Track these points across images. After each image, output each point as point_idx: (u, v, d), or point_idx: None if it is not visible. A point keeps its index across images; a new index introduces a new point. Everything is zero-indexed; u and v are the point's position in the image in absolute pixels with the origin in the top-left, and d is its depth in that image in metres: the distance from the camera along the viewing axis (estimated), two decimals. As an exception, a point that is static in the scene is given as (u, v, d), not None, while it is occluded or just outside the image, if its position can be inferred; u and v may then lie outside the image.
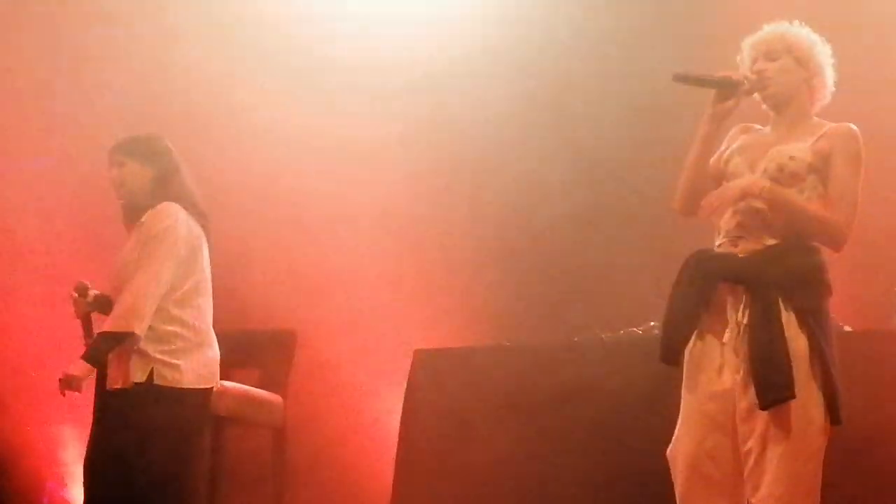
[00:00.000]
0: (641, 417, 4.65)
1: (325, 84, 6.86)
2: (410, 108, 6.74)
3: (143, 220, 4.67)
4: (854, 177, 3.59)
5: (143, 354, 4.53)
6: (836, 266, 5.06)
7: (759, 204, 3.55)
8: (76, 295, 4.80)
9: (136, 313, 4.50)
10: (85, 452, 4.68)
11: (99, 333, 4.61)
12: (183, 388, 4.59)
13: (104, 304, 4.76)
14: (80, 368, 4.54)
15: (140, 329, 4.50)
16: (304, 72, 6.86)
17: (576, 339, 5.61)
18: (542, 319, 6.32)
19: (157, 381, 4.54)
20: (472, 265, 6.64)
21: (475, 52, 6.68)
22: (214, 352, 4.80)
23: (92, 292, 4.81)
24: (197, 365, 4.66)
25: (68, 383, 4.53)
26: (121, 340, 4.52)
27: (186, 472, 4.65)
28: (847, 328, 5.21)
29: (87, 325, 4.79)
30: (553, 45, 6.66)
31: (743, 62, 3.74)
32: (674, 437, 3.63)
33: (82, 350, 4.64)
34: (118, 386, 4.53)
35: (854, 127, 3.65)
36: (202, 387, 4.69)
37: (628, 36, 6.56)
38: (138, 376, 4.52)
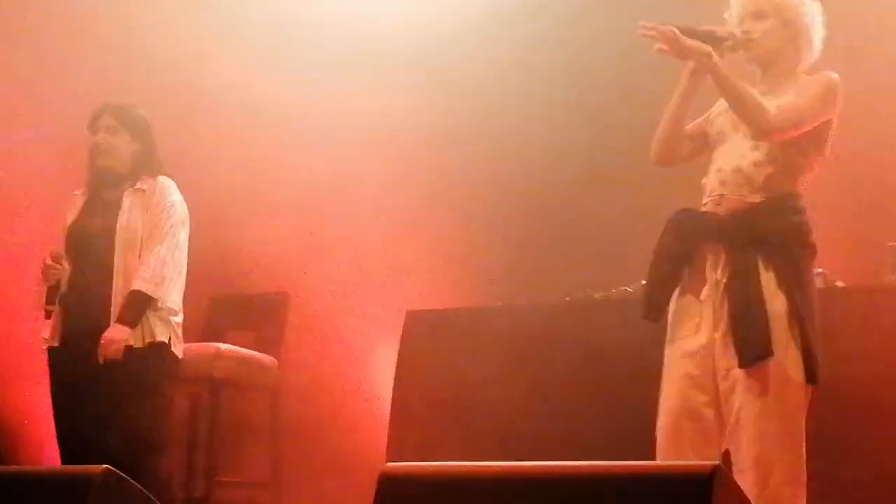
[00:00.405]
0: (633, 374, 4.65)
1: (318, 54, 6.82)
2: (403, 76, 6.71)
3: (142, 188, 4.79)
4: (809, 98, 3.59)
5: (164, 319, 4.73)
6: (831, 222, 5.08)
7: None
8: (50, 261, 4.81)
9: (161, 280, 4.70)
10: (68, 415, 4.75)
11: (133, 293, 4.68)
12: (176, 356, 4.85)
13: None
14: (122, 331, 4.66)
15: (163, 296, 4.71)
16: (293, 40, 6.83)
17: (567, 298, 5.62)
18: (534, 279, 6.30)
19: (173, 346, 4.77)
20: (464, 226, 6.62)
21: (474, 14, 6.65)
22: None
23: (65, 262, 4.85)
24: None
25: (113, 348, 4.63)
26: (149, 303, 4.67)
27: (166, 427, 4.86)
28: (840, 283, 5.22)
29: (52, 293, 4.82)
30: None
31: (731, 18, 3.74)
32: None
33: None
34: (136, 345, 4.67)
35: (833, 74, 3.67)
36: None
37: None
38: (162, 337, 4.72)
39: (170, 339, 4.75)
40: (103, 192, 4.88)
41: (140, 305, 4.67)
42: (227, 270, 6.67)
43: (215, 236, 6.40)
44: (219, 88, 6.79)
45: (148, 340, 4.69)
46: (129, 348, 4.65)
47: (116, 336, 4.64)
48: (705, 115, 3.79)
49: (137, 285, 4.67)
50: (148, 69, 6.62)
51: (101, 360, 4.63)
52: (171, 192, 4.84)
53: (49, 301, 4.79)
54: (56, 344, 4.82)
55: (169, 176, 4.92)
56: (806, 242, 3.61)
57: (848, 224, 5.68)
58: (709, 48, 3.57)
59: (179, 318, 4.83)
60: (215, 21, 6.78)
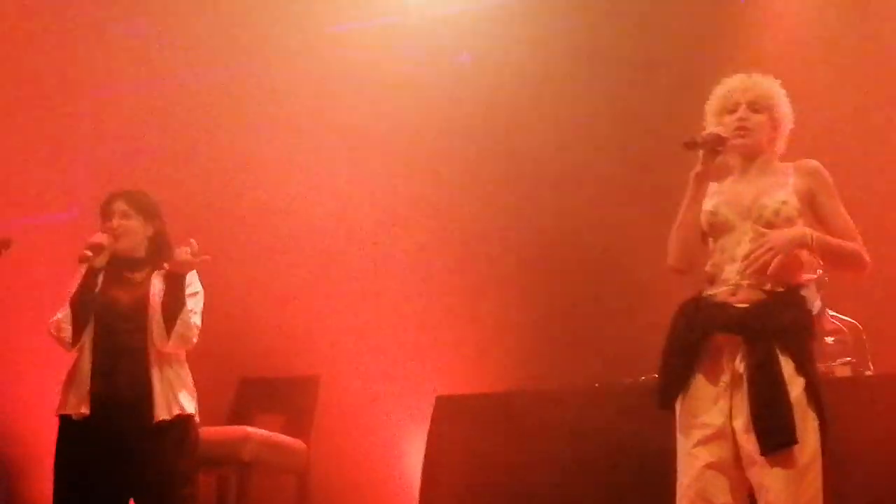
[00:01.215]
0: (661, 461, 4.64)
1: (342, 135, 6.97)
2: (446, 153, 6.83)
3: (166, 267, 4.85)
4: (843, 208, 3.78)
5: (191, 392, 4.79)
6: (858, 309, 5.10)
7: (804, 254, 3.69)
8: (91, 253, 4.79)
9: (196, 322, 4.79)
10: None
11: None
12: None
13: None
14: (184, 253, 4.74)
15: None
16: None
17: (596, 384, 5.63)
18: (564, 364, 6.33)
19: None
20: (495, 311, 6.66)
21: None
22: None
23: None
24: None
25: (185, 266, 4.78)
26: (183, 314, 4.74)
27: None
28: (868, 372, 5.22)
29: (94, 252, 4.76)
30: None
31: (715, 107, 3.84)
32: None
33: None
34: (177, 413, 4.71)
35: (817, 162, 3.82)
36: None
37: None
38: (190, 408, 4.76)
39: (195, 413, 4.78)
40: (124, 272, 4.89)
41: (179, 287, 4.76)
42: (257, 352, 6.71)
43: (245, 318, 6.48)
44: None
45: (176, 412, 4.70)
46: (160, 422, 4.66)
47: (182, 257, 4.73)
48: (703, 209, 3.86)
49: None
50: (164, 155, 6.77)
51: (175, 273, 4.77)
52: (196, 277, 4.89)
53: (91, 248, 4.73)
54: (84, 412, 4.73)
55: None
56: (811, 328, 3.76)
57: (877, 311, 5.71)
58: (809, 231, 3.69)
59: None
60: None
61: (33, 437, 6.71)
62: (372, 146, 7.15)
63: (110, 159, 7.79)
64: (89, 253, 4.73)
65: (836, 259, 3.74)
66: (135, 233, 4.89)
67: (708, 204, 3.83)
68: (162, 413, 4.68)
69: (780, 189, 3.74)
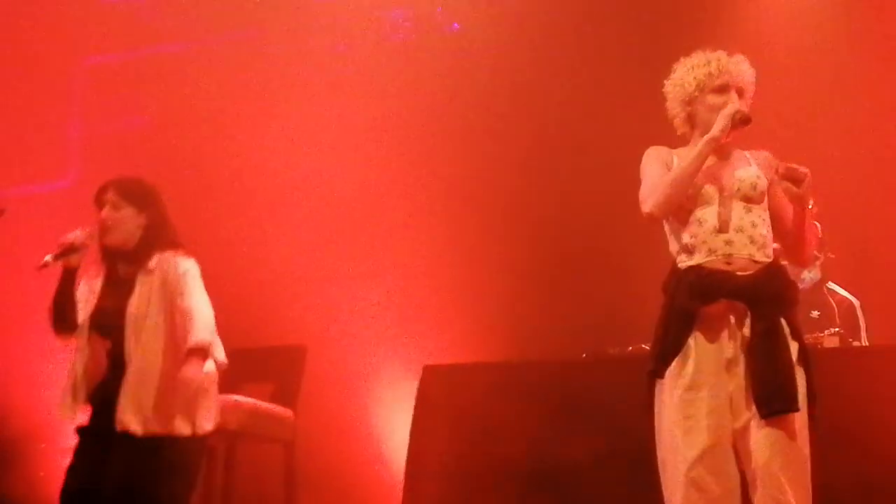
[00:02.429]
0: (649, 430, 4.66)
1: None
2: (432, 123, 6.81)
3: (151, 267, 4.59)
4: None
5: (212, 401, 4.55)
6: (847, 282, 5.11)
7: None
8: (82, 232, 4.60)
9: (209, 324, 4.49)
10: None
11: (192, 348, 4.42)
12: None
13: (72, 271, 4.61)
14: (198, 368, 4.42)
15: (216, 342, 4.55)
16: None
17: (584, 354, 5.64)
18: (551, 335, 6.33)
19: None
20: (481, 282, 6.66)
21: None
22: None
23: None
24: None
25: (192, 387, 4.40)
26: (209, 347, 4.47)
27: None
28: (856, 343, 5.23)
29: (63, 250, 4.54)
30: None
31: (698, 80, 3.87)
32: (669, 451, 3.71)
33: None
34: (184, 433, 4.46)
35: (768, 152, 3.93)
36: None
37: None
38: (182, 429, 4.47)
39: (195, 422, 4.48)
40: (118, 268, 4.69)
41: (204, 353, 4.42)
42: (244, 322, 6.69)
43: (233, 288, 6.45)
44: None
45: (197, 432, 4.45)
46: (171, 438, 4.41)
47: (191, 375, 4.35)
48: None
49: (194, 338, 4.40)
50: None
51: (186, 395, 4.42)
52: (179, 261, 4.59)
53: (54, 252, 4.53)
54: (70, 417, 4.59)
55: (183, 245, 4.70)
56: (798, 298, 3.82)
57: (866, 284, 5.71)
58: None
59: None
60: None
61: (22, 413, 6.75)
62: (357, 120, 7.13)
63: (103, 129, 7.77)
64: (48, 259, 4.51)
65: (803, 231, 3.78)
66: (124, 224, 4.61)
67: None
68: (129, 424, 4.40)
69: (749, 167, 3.84)
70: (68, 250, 4.55)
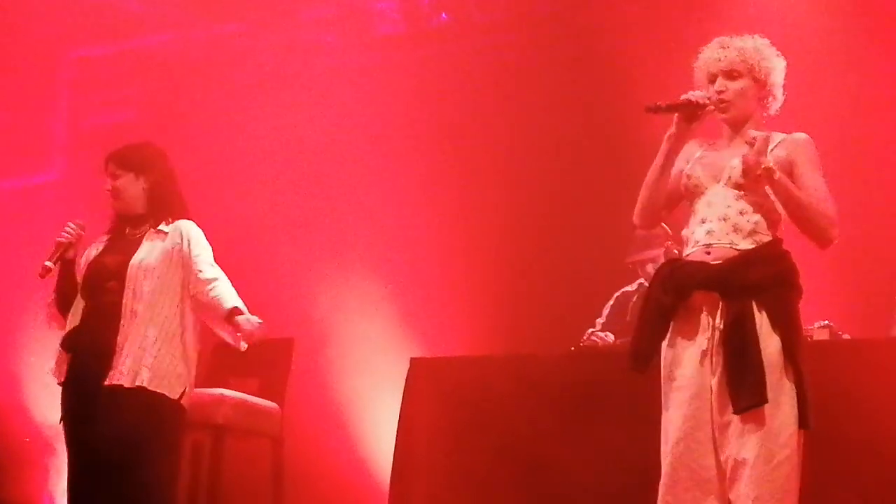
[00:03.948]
0: (636, 423, 4.64)
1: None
2: (420, 114, 6.79)
3: (164, 230, 4.70)
4: (823, 179, 3.70)
5: (188, 364, 4.64)
6: (837, 274, 5.08)
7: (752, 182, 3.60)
8: (73, 225, 4.73)
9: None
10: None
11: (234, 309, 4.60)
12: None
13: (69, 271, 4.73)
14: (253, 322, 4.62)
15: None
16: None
17: (572, 347, 5.62)
18: (538, 328, 6.31)
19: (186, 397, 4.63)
20: (469, 275, 6.64)
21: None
22: None
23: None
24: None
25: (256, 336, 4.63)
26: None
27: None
28: (846, 336, 5.20)
29: (58, 250, 4.67)
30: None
31: (699, 77, 3.80)
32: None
33: None
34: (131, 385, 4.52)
35: (807, 135, 3.76)
36: None
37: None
38: (180, 387, 4.60)
39: (185, 390, 4.60)
40: (126, 230, 4.80)
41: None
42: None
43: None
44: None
45: (160, 389, 4.51)
46: (137, 388, 4.48)
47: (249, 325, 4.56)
48: (678, 170, 3.81)
49: (232, 302, 4.58)
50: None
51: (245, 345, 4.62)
52: (190, 226, 4.73)
53: (51, 257, 4.64)
54: (62, 380, 4.69)
55: (190, 216, 4.82)
56: (794, 284, 3.68)
57: (855, 276, 5.69)
58: (766, 162, 3.59)
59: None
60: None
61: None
62: (345, 112, 7.10)
63: (90, 122, 7.73)
64: (49, 264, 4.62)
65: (797, 209, 3.63)
66: (126, 191, 4.75)
67: (686, 167, 3.81)
68: (119, 377, 4.49)
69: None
70: (64, 249, 4.67)
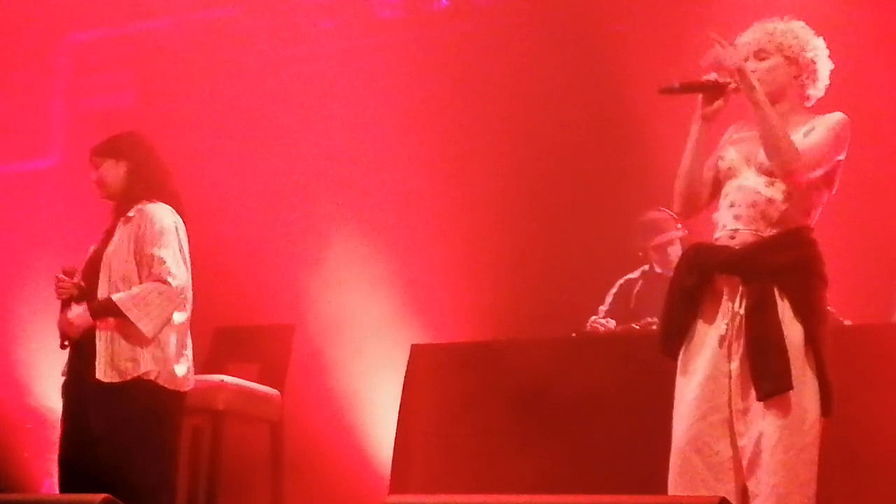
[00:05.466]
0: (637, 409, 4.62)
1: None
2: (419, 102, 6.76)
3: (130, 215, 4.71)
4: (829, 139, 3.63)
5: (153, 352, 4.66)
6: (838, 260, 5.06)
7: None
8: (63, 276, 4.77)
9: (143, 304, 4.63)
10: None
11: (106, 300, 4.63)
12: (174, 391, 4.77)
13: (82, 291, 4.76)
14: (82, 315, 4.63)
15: (145, 322, 4.63)
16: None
17: (573, 334, 5.61)
18: (540, 314, 6.30)
19: (163, 382, 4.70)
20: (470, 260, 6.62)
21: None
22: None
23: (76, 277, 4.81)
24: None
25: (72, 329, 4.64)
26: (118, 314, 4.61)
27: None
28: (847, 322, 5.19)
29: (66, 307, 4.77)
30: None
31: (735, 56, 3.74)
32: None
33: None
34: (114, 380, 4.59)
35: (842, 114, 3.69)
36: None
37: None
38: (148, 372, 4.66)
39: (158, 374, 4.64)
40: (121, 210, 4.86)
41: (109, 311, 4.61)
42: (231, 301, 6.66)
43: (220, 267, 6.41)
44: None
45: (130, 376, 4.59)
46: (109, 384, 4.56)
47: (75, 319, 4.62)
48: (715, 154, 3.78)
49: (115, 296, 4.62)
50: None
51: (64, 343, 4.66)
52: (158, 217, 4.75)
53: (62, 336, 4.74)
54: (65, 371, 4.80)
55: (175, 197, 4.88)
56: (819, 272, 3.65)
57: (857, 262, 5.68)
58: (741, 64, 3.58)
59: (188, 351, 4.79)
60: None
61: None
62: (344, 98, 7.07)
63: (87, 106, 7.70)
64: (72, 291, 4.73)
65: (765, 129, 3.55)
66: (107, 177, 4.83)
67: (723, 151, 3.78)
68: (104, 374, 4.59)
69: (798, 140, 3.61)
70: (62, 291, 4.75)
